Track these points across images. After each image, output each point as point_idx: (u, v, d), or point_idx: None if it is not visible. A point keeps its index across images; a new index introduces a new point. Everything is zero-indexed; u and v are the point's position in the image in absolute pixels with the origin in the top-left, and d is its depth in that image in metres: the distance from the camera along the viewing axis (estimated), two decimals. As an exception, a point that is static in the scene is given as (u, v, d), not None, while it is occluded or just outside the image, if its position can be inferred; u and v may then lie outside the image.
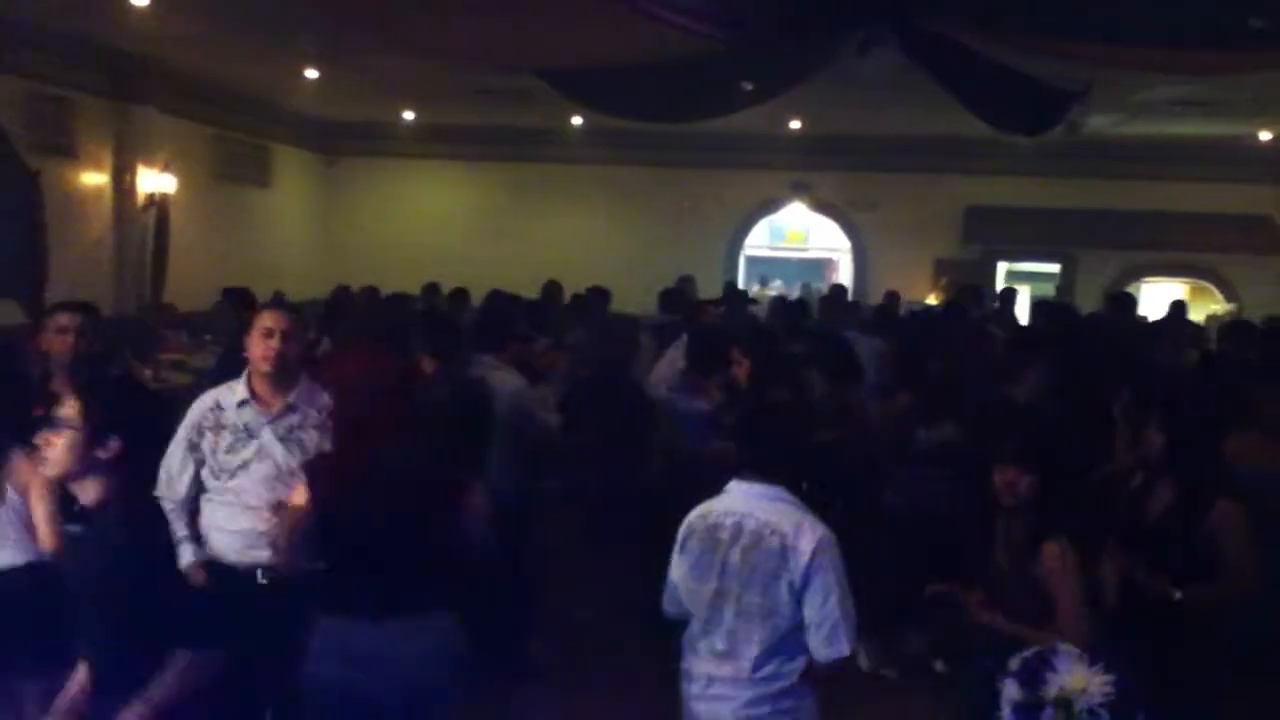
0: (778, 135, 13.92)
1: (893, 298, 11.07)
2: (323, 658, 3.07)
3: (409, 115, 14.25)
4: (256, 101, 13.36)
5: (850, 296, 13.84)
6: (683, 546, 3.23)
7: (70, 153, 10.60)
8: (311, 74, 11.07)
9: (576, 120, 13.61)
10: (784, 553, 3.02)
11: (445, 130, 14.73)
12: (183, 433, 3.69)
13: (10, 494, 3.46)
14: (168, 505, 3.48)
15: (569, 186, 15.14)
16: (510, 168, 15.20)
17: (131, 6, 8.20)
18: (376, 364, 3.28)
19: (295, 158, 15.18)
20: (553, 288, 10.04)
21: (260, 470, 3.62)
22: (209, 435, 3.65)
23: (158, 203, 11.46)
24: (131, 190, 11.25)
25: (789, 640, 3.06)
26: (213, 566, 3.65)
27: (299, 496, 3.25)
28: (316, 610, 3.13)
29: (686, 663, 3.23)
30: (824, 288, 14.08)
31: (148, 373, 7.60)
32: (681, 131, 12.96)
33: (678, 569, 3.24)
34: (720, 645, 3.12)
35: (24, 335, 8.63)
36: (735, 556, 3.09)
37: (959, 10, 7.15)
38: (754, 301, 10.15)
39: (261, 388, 3.68)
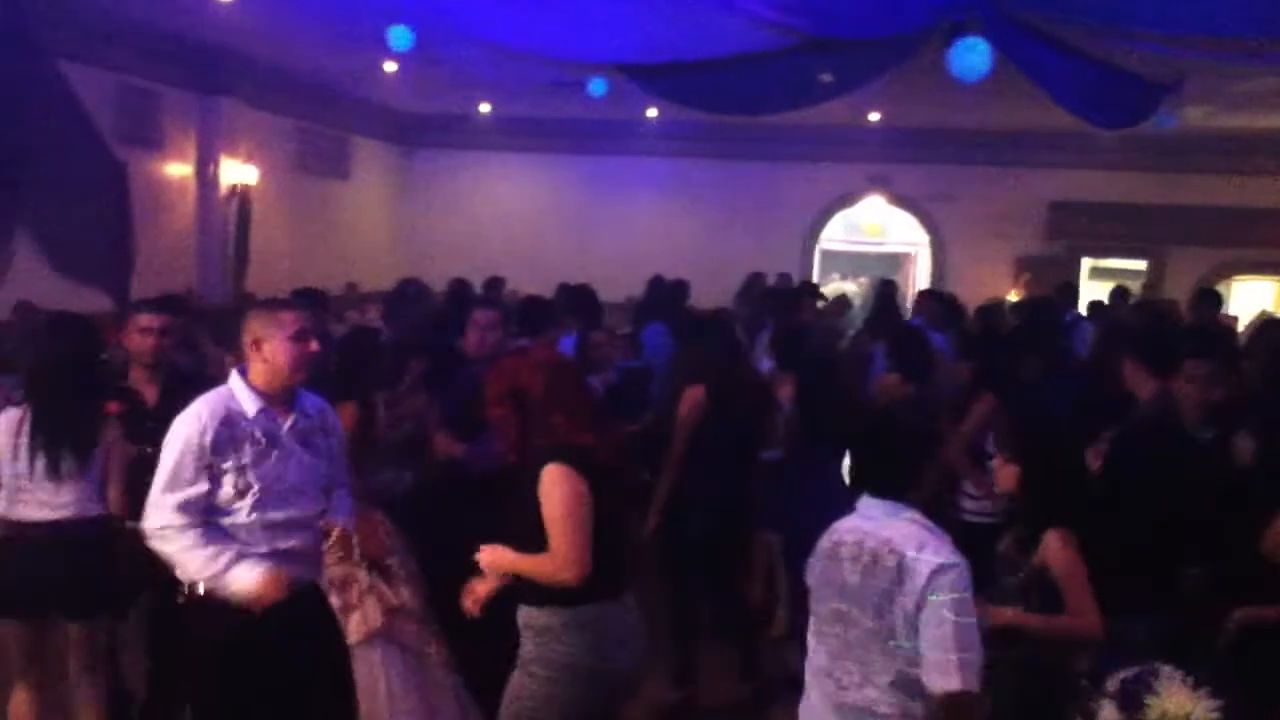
0: (856, 127, 13.72)
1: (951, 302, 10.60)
2: (616, 646, 3.21)
3: (485, 108, 14.30)
4: (336, 94, 13.51)
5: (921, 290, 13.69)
6: (810, 566, 3.11)
7: (156, 144, 10.82)
8: (390, 67, 11.14)
9: (652, 113, 13.55)
10: (900, 573, 2.81)
11: (521, 123, 14.76)
12: (188, 452, 3.24)
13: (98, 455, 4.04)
14: (194, 527, 3.23)
15: (643, 179, 15.08)
16: (585, 161, 15.19)
17: (217, 1, 8.31)
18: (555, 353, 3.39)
19: (373, 150, 15.34)
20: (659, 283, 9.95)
21: (288, 479, 3.38)
22: (228, 451, 3.27)
23: (240, 194, 11.65)
24: (215, 181, 11.46)
25: (903, 671, 2.83)
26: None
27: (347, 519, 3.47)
28: (574, 601, 3.13)
29: (806, 683, 3.10)
30: (902, 281, 13.88)
31: (229, 359, 7.69)
32: (757, 124, 12.82)
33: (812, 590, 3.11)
34: (832, 668, 2.95)
35: (108, 324, 8.87)
36: (854, 576, 2.91)
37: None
38: (823, 297, 9.96)
39: (275, 393, 3.38)
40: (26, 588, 3.96)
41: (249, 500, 3.28)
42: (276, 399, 3.37)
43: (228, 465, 3.25)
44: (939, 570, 2.78)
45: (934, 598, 2.75)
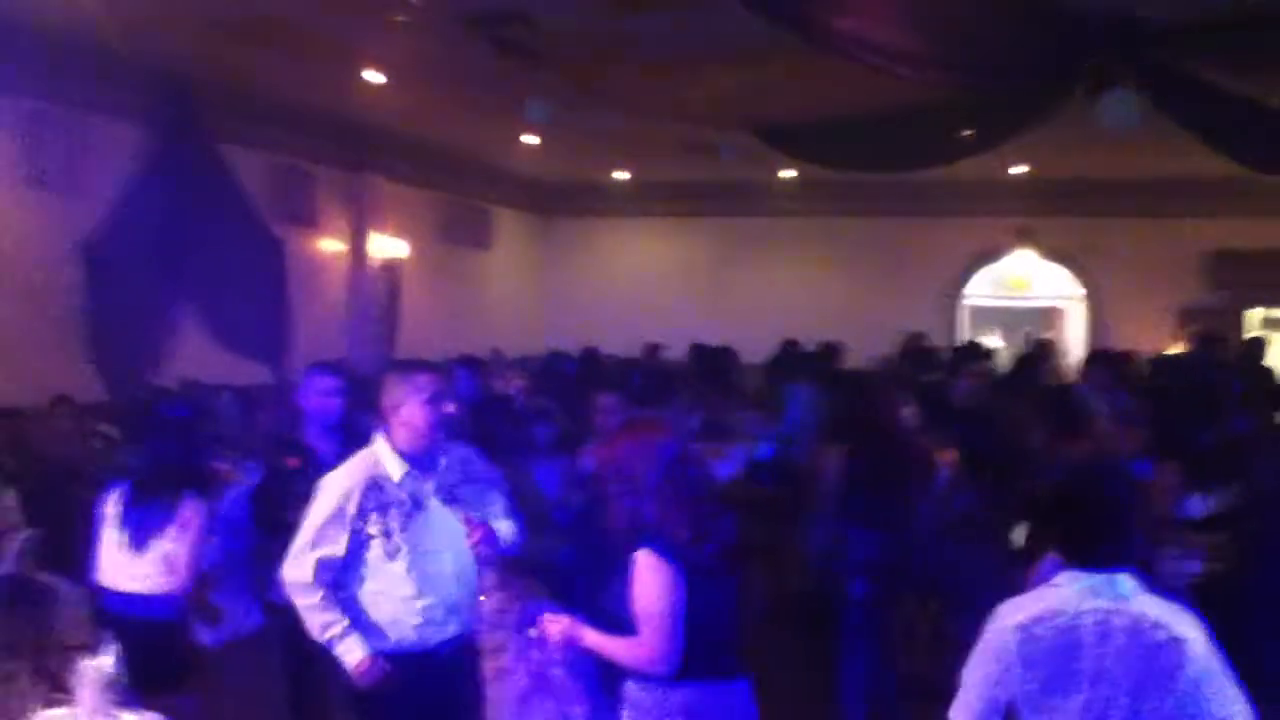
0: (1001, 181, 13.36)
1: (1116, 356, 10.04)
2: None
3: (622, 175, 14.49)
4: (478, 166, 13.89)
5: (1083, 346, 13.12)
6: (1006, 660, 2.65)
7: (310, 221, 11.27)
8: (530, 139, 11.40)
9: (788, 173, 13.50)
10: (1174, 647, 2.51)
11: (657, 187, 14.89)
12: (334, 514, 3.36)
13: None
14: (319, 590, 3.34)
15: (781, 239, 14.97)
16: (721, 223, 15.21)
17: (368, 83, 8.65)
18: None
19: (513, 219, 15.68)
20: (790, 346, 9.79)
21: (435, 538, 3.43)
22: (374, 516, 3.35)
23: (389, 266, 12.03)
24: (365, 255, 11.87)
25: None
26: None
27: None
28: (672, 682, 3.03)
29: None
30: (1053, 336, 13.34)
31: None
32: (896, 180, 12.63)
33: (1003, 687, 2.65)
34: None
35: (270, 394, 9.20)
36: (1109, 661, 2.56)
37: (1195, 39, 6.64)
38: (988, 356, 9.36)
39: (418, 455, 3.44)
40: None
41: (401, 562, 3.36)
42: (419, 460, 3.44)
43: (374, 529, 3.34)
44: (1204, 634, 2.54)
45: (1214, 664, 2.51)
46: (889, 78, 6.22)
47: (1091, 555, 2.62)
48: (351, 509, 3.33)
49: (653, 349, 10.11)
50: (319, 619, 3.34)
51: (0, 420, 6.90)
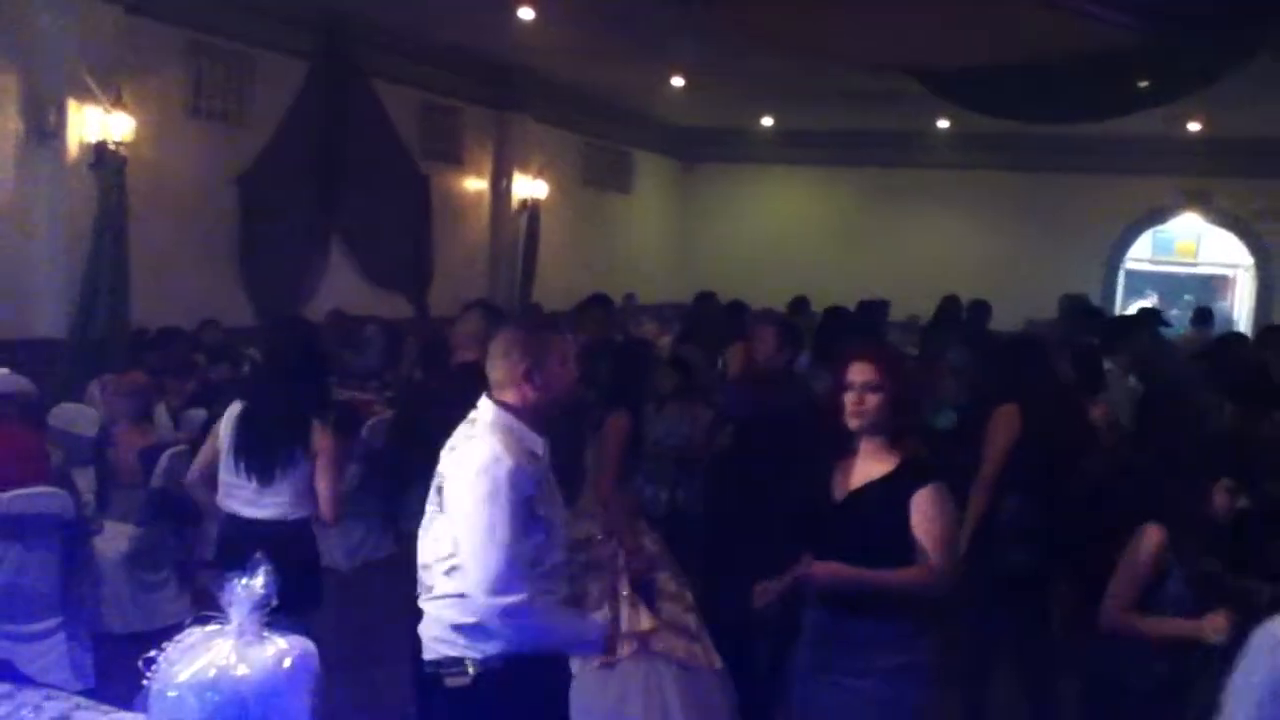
0: (1172, 138, 12.54)
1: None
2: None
3: (768, 121, 14.17)
4: (622, 109, 13.77)
5: (1253, 316, 12.34)
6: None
7: (456, 159, 11.36)
8: (677, 81, 11.20)
9: (943, 123, 12.97)
10: None
11: (804, 135, 14.51)
12: (514, 504, 2.70)
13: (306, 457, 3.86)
14: (529, 611, 2.69)
15: (932, 192, 14.43)
16: (870, 173, 14.74)
17: (519, 20, 8.59)
18: None
19: (655, 164, 15.55)
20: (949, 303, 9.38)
21: (558, 509, 2.97)
22: (539, 493, 2.82)
23: (530, 207, 12.06)
24: (507, 195, 11.92)
25: None
26: None
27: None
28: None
29: None
30: (1225, 307, 12.54)
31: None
32: (1058, 133, 12.00)
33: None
34: None
35: (412, 328, 9.35)
36: None
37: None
38: (1167, 324, 8.58)
39: (539, 422, 2.89)
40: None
41: (555, 543, 2.86)
42: (539, 427, 2.90)
43: (542, 511, 2.78)
44: None
45: None
46: (1070, 17, 5.80)
47: None
48: (529, 490, 2.74)
49: (798, 303, 9.88)
50: (545, 629, 2.75)
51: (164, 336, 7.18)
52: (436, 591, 2.76)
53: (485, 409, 2.83)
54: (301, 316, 7.41)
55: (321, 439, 3.88)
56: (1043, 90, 8.04)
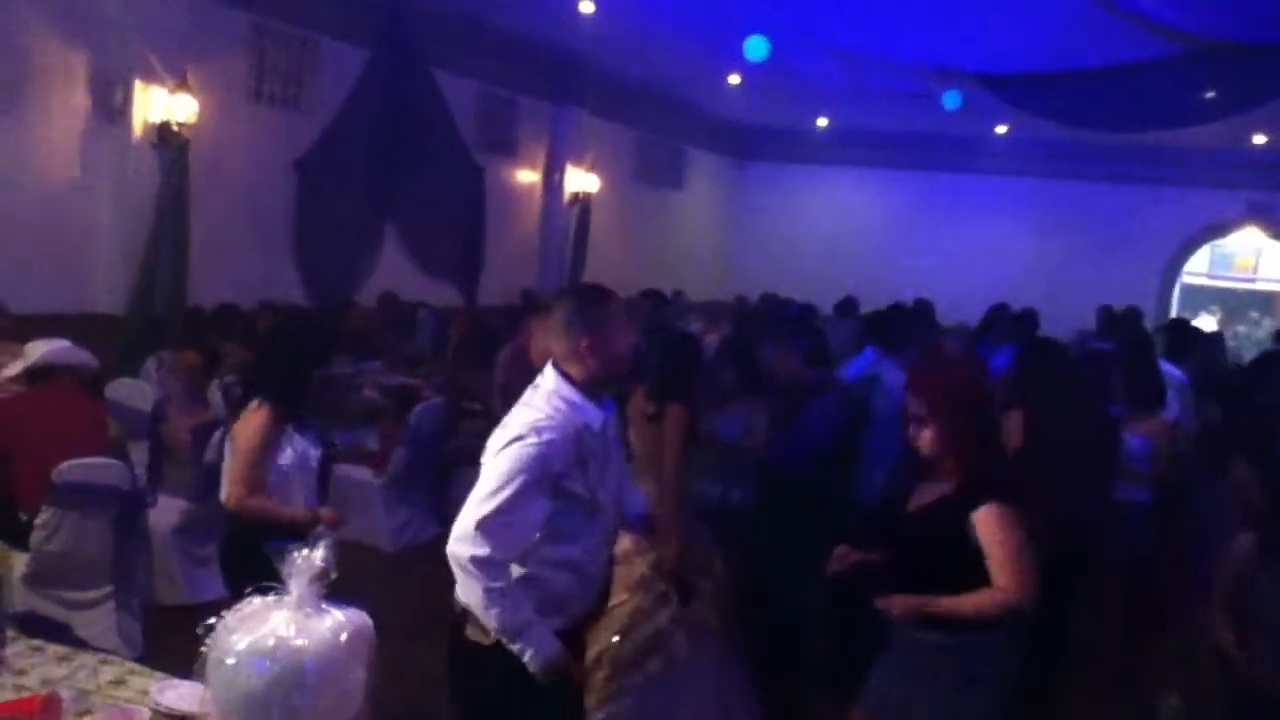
0: (1235, 151, 12.32)
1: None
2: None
3: (823, 121, 14.09)
4: (675, 105, 13.76)
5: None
6: None
7: (510, 150, 11.41)
8: (734, 79, 11.16)
9: (1001, 128, 12.82)
10: None
11: (858, 136, 14.41)
12: (529, 476, 2.65)
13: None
14: (504, 575, 2.65)
15: (985, 199, 14.30)
16: (923, 177, 14.63)
17: (579, 13, 8.60)
18: None
19: (707, 161, 15.52)
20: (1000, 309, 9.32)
21: (615, 490, 2.92)
22: (576, 472, 2.74)
23: (581, 200, 12.09)
24: (560, 188, 11.96)
25: None
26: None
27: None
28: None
29: None
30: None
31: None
32: (1119, 142, 11.82)
33: None
34: None
35: (461, 315, 9.40)
36: None
37: None
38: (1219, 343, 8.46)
39: (596, 395, 2.84)
40: None
41: (599, 523, 2.83)
42: (596, 400, 2.84)
43: (577, 489, 2.74)
44: None
45: None
46: (1141, 22, 5.72)
47: None
48: (558, 467, 2.69)
49: (846, 303, 9.82)
50: (506, 604, 2.63)
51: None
52: None
53: (549, 376, 2.83)
54: (306, 316, 7.48)
55: (252, 417, 3.56)
56: (1106, 97, 7.93)
